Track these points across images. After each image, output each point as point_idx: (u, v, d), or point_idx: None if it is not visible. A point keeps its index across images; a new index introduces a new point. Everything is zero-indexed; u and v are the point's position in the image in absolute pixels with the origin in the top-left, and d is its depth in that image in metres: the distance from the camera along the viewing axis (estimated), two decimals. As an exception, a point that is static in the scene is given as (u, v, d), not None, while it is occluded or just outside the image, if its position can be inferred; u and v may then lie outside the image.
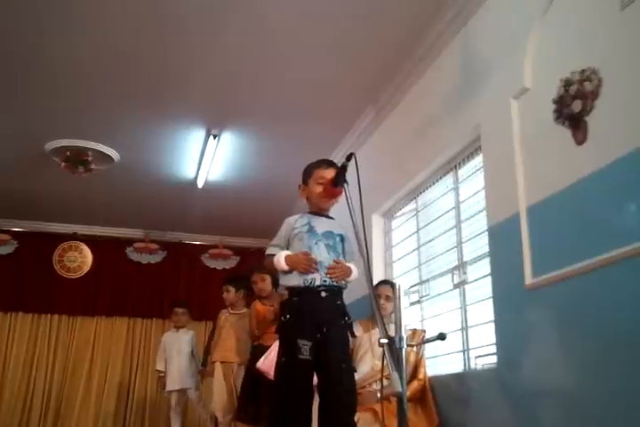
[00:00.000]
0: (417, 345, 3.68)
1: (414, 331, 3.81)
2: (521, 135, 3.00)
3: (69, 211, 7.47)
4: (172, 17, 3.82)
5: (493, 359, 3.18)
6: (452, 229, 3.86)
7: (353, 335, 2.81)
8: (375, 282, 3.78)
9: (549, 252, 2.71)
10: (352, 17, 3.81)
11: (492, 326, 3.15)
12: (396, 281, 4.07)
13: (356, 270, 2.79)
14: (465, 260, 3.65)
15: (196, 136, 5.43)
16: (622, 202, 2.30)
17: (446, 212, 3.96)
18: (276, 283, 4.44)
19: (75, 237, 7.99)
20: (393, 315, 2.56)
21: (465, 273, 3.61)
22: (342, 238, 2.83)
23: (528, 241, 2.86)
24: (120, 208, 7.33)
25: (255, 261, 6.59)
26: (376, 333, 3.60)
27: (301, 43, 4.08)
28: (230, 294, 5.22)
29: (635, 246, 2.18)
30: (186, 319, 6.29)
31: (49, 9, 3.74)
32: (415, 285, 4.25)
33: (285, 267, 2.71)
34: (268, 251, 2.85)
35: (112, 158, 5.81)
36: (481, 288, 3.42)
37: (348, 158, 2.54)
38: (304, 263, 2.67)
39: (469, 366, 3.52)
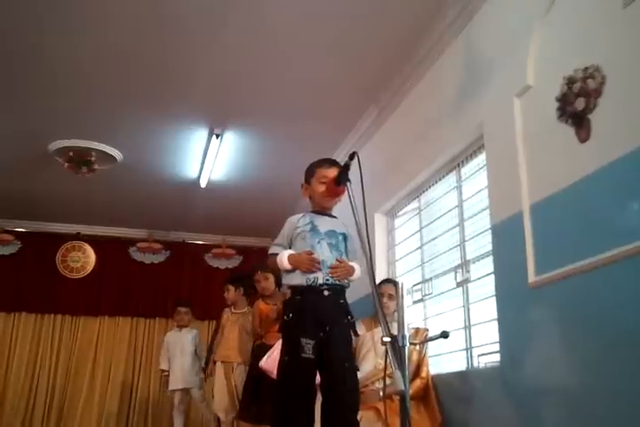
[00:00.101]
0: (420, 344, 3.68)
1: (417, 329, 3.81)
2: (524, 133, 3.00)
3: (72, 211, 7.48)
4: (172, 17, 3.82)
5: (496, 358, 3.18)
6: (454, 227, 3.86)
7: (356, 334, 2.80)
8: (378, 281, 3.78)
9: (552, 250, 2.71)
10: (353, 17, 3.80)
11: (495, 324, 3.15)
12: (399, 280, 4.08)
13: (358, 269, 2.79)
14: (468, 258, 3.64)
15: (198, 136, 5.43)
16: (625, 200, 2.30)
17: (449, 210, 3.96)
18: (279, 282, 4.43)
19: (78, 237, 8.01)
20: (396, 313, 2.56)
21: (468, 271, 3.60)
22: (345, 237, 2.82)
23: (531, 239, 2.85)
24: (123, 208, 7.34)
25: (258, 260, 6.59)
26: (379, 331, 3.60)
27: (302, 43, 4.08)
28: (230, 293, 5.23)
29: (637, 245, 2.18)
30: (188, 319, 6.30)
31: (49, 9, 3.74)
32: (418, 283, 4.24)
33: (288, 266, 2.71)
34: (271, 250, 2.85)
35: (115, 158, 5.82)
36: (484, 287, 3.42)
37: (351, 157, 2.54)
38: (307, 263, 2.67)
39: (472, 364, 3.52)
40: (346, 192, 2.62)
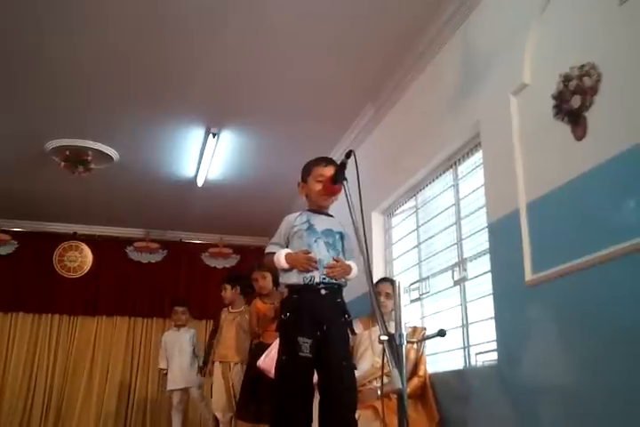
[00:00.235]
0: (417, 342, 3.68)
1: (414, 328, 3.81)
2: (520, 131, 3.00)
3: (69, 211, 7.47)
4: (172, 17, 3.82)
5: (494, 356, 3.18)
6: (451, 226, 3.86)
7: (353, 333, 2.81)
8: (375, 279, 3.78)
9: (549, 248, 2.71)
10: (352, 17, 3.80)
11: (493, 322, 3.15)
12: (396, 278, 4.09)
13: (355, 268, 2.79)
14: (465, 257, 3.64)
15: (195, 135, 5.43)
16: (622, 198, 2.30)
17: (446, 209, 3.96)
18: (276, 281, 4.43)
19: (75, 236, 8.00)
20: (393, 312, 2.55)
21: (465, 270, 3.61)
22: (342, 236, 2.83)
23: (528, 237, 2.85)
24: (120, 207, 7.33)
25: (255, 259, 6.58)
26: (376, 330, 3.59)
27: (301, 42, 4.07)
28: (227, 292, 5.24)
29: (634, 242, 2.18)
30: (186, 318, 6.29)
31: (49, 9, 3.74)
32: (415, 282, 4.25)
33: (285, 265, 2.71)
34: (268, 249, 2.85)
35: (111, 158, 5.81)
36: (481, 285, 3.42)
37: (348, 156, 2.54)
38: (304, 262, 2.67)
39: (470, 362, 3.52)
40: (342, 191, 2.62)
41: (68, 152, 5.60)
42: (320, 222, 2.80)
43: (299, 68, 4.36)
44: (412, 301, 4.24)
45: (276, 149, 5.68)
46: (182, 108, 5.00)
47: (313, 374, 2.62)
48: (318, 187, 2.78)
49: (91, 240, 8.04)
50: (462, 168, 3.83)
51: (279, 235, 2.84)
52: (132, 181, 6.45)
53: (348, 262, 2.77)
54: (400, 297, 2.45)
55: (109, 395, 7.57)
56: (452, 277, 3.72)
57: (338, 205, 2.80)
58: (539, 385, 2.69)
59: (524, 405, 2.78)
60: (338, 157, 4.80)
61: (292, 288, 2.72)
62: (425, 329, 3.84)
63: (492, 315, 3.15)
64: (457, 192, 3.85)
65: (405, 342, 2.32)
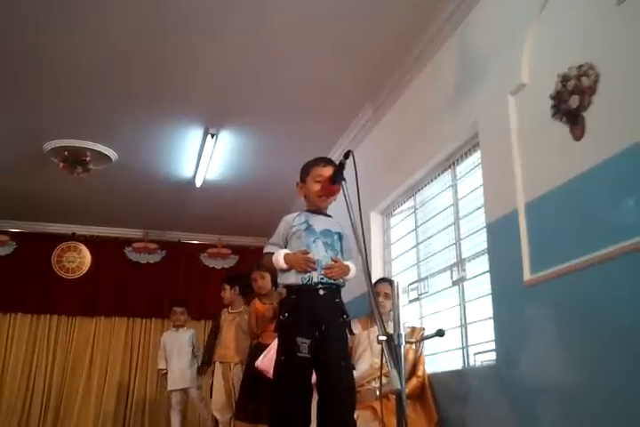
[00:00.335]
0: (416, 342, 3.68)
1: (413, 328, 3.82)
2: (518, 131, 3.00)
3: (68, 211, 7.46)
4: (172, 17, 3.82)
5: (492, 356, 3.18)
6: (450, 226, 3.86)
7: (351, 333, 2.81)
8: (374, 280, 3.78)
9: (548, 248, 2.71)
10: (352, 17, 3.80)
11: (491, 322, 3.15)
12: (395, 279, 4.09)
13: (353, 269, 2.79)
14: (463, 257, 3.64)
15: (194, 135, 5.43)
16: (620, 197, 2.30)
17: (444, 209, 3.96)
18: (275, 281, 4.43)
19: (73, 237, 8.00)
20: (392, 312, 2.55)
21: (463, 270, 3.61)
22: (340, 237, 2.83)
23: (526, 237, 2.85)
24: (118, 208, 7.32)
25: (254, 259, 6.58)
26: (375, 330, 3.59)
27: (300, 42, 4.07)
28: (226, 292, 5.24)
29: (633, 242, 2.18)
30: (184, 318, 6.29)
31: (49, 9, 3.73)
32: (414, 282, 4.25)
33: (284, 265, 2.71)
34: (267, 249, 2.85)
35: (110, 158, 5.80)
36: (480, 285, 3.41)
37: (346, 156, 2.54)
38: (302, 262, 2.67)
39: (468, 363, 3.52)
40: (341, 191, 2.62)
41: (66, 153, 5.59)
42: (319, 223, 2.80)
43: (298, 68, 4.36)
44: (411, 301, 4.25)
45: (275, 150, 5.68)
46: (181, 108, 4.99)
47: (311, 375, 2.62)
48: (317, 187, 2.78)
49: (89, 241, 8.04)
50: (461, 168, 3.83)
51: (278, 235, 2.84)
52: (131, 181, 6.44)
53: (346, 263, 2.77)
54: (399, 297, 2.45)
55: (108, 395, 7.57)
56: (451, 278, 3.72)
57: (336, 206, 2.80)
58: (537, 385, 2.69)
59: (522, 405, 2.78)
60: (336, 157, 4.81)
61: (291, 288, 2.72)
62: (423, 329, 3.84)
63: (491, 315, 3.15)
64: (455, 192, 3.85)
65: (404, 343, 2.31)
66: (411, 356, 3.67)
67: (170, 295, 7.74)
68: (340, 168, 2.61)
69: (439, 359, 3.88)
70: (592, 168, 2.44)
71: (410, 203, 4.55)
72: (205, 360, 5.53)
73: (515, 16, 3.08)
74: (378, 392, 3.45)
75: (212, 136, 5.34)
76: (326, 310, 2.67)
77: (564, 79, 2.64)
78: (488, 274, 3.22)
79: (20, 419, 7.25)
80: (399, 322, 2.38)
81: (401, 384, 2.09)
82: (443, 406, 3.53)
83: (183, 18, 3.82)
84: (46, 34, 4.00)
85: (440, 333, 2.74)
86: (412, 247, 4.39)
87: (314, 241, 2.74)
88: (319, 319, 2.63)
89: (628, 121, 2.29)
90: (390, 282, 3.84)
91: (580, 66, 2.54)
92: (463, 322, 3.60)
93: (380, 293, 3.82)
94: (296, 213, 2.86)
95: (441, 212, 4.01)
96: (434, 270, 4.02)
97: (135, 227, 8.11)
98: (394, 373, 2.02)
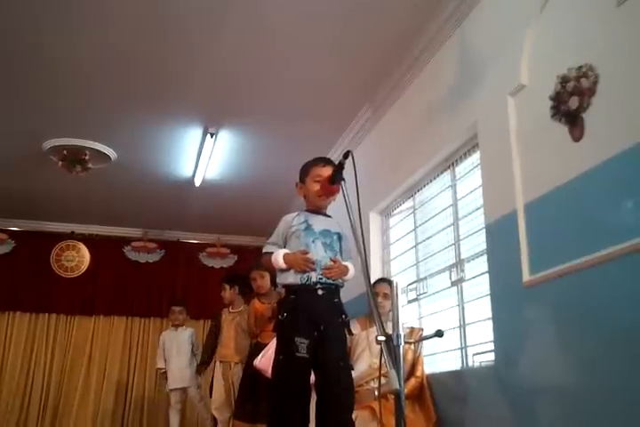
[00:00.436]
0: (415, 343, 3.68)
1: (412, 329, 3.82)
2: (518, 132, 3.00)
3: (67, 210, 7.46)
4: (172, 17, 3.82)
5: (491, 357, 3.18)
6: (449, 226, 3.86)
7: (350, 333, 2.81)
8: (373, 280, 3.78)
9: (547, 249, 2.71)
10: (350, 17, 3.80)
11: (490, 323, 3.15)
12: (394, 279, 4.08)
13: (352, 269, 2.79)
14: (462, 257, 3.64)
15: (193, 135, 5.42)
16: (619, 198, 2.30)
17: (444, 209, 3.96)
18: (274, 281, 4.42)
19: (72, 236, 7.98)
20: (391, 313, 2.55)
21: (462, 271, 3.61)
22: (339, 237, 2.83)
23: (525, 238, 2.85)
24: (117, 207, 7.32)
25: (253, 259, 6.59)
26: (374, 331, 3.60)
27: (300, 42, 4.07)
28: (226, 292, 5.24)
29: (632, 243, 2.18)
30: (183, 318, 6.29)
31: (48, 9, 3.73)
32: (413, 282, 4.25)
33: (283, 265, 2.71)
34: (266, 249, 2.85)
35: (109, 157, 5.80)
36: (478, 286, 3.42)
37: (346, 156, 2.54)
38: (301, 262, 2.67)
39: (467, 363, 3.52)
40: (340, 191, 2.62)
41: (65, 151, 5.59)
42: (318, 223, 2.80)
43: (297, 68, 4.36)
44: (410, 301, 4.25)
45: (274, 149, 5.68)
46: (180, 107, 4.99)
47: (310, 375, 2.62)
48: (316, 187, 2.79)
49: (88, 240, 8.03)
50: (460, 169, 3.83)
51: (277, 235, 2.84)
52: (130, 180, 6.44)
53: (345, 263, 2.77)
54: (398, 298, 2.45)
55: (107, 394, 7.56)
56: (450, 278, 3.72)
57: (336, 206, 2.80)
58: (536, 386, 2.69)
59: (521, 405, 2.78)
60: (336, 157, 4.81)
61: (290, 288, 2.72)
62: (422, 330, 3.84)
63: (490, 316, 3.15)
64: (455, 193, 3.85)
65: (403, 343, 2.31)
66: (409, 356, 3.67)
67: (169, 295, 7.75)
68: (339, 168, 2.61)
69: (438, 360, 3.88)
70: (591, 169, 2.44)
71: (409, 203, 4.55)
72: (205, 359, 5.53)
73: (514, 17, 3.08)
74: (376, 392, 3.45)
75: (212, 136, 5.33)
76: (325, 310, 2.67)
77: (564, 80, 2.64)
78: (487, 275, 3.22)
79: (19, 418, 7.24)
80: (398, 322, 2.38)
81: (400, 385, 2.09)
82: (441, 407, 3.54)
83: (183, 18, 3.82)
84: (46, 34, 3.99)
85: (439, 333, 2.73)
86: (412, 248, 4.39)
87: (313, 241, 2.74)
88: (318, 319, 2.64)
89: (628, 122, 2.29)
90: (389, 282, 3.85)
91: (580, 67, 2.54)
92: (462, 323, 3.60)
93: (379, 293, 3.82)
94: (295, 213, 2.86)
95: (440, 212, 4.01)
96: (433, 271, 4.02)
97: (134, 226, 8.10)
98: (392, 373, 2.02)
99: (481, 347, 3.36)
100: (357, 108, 4.97)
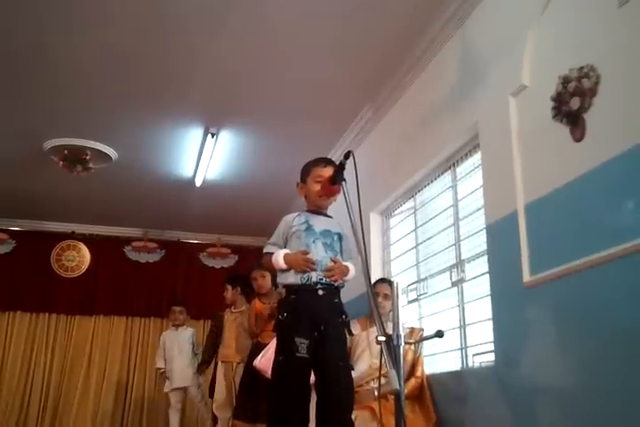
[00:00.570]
0: (415, 343, 3.68)
1: (412, 329, 3.82)
2: (519, 133, 3.00)
3: (67, 210, 7.46)
4: (172, 17, 3.82)
5: (491, 357, 3.18)
6: (450, 227, 3.86)
7: (350, 333, 2.81)
8: (373, 280, 3.78)
9: (547, 250, 2.71)
10: (351, 17, 3.80)
11: (490, 323, 3.15)
12: (394, 279, 4.08)
13: (353, 269, 2.79)
14: (463, 258, 3.64)
15: (194, 135, 5.42)
16: (620, 199, 2.30)
17: (444, 210, 3.96)
18: (275, 281, 4.43)
19: (73, 236, 7.99)
20: (391, 313, 2.55)
21: (463, 271, 3.61)
22: (340, 237, 2.83)
23: (526, 239, 2.85)
24: (118, 207, 7.32)
25: (253, 259, 6.59)
26: (374, 331, 3.60)
27: (301, 42, 4.07)
28: (228, 292, 5.25)
29: (633, 244, 2.18)
30: (183, 318, 6.29)
31: (49, 9, 3.73)
32: (413, 283, 4.24)
33: (284, 265, 2.71)
34: (266, 249, 2.85)
35: (110, 157, 5.80)
36: (479, 286, 3.41)
37: (346, 156, 2.53)
38: (302, 263, 2.67)
39: (467, 364, 3.52)
40: (341, 191, 2.61)
41: (66, 151, 5.59)
42: (318, 223, 2.80)
43: (298, 68, 4.36)
44: (410, 302, 4.24)
45: (275, 150, 5.68)
46: (181, 107, 4.99)
47: (310, 375, 2.62)
48: (317, 187, 2.79)
49: (89, 239, 8.03)
50: (461, 169, 3.83)
51: (277, 235, 2.84)
52: (131, 180, 6.44)
53: (345, 263, 2.77)
54: (398, 298, 2.45)
55: (106, 394, 7.56)
56: (450, 279, 3.72)
57: (336, 206, 2.80)
58: (536, 386, 2.69)
59: (521, 406, 2.78)
60: (337, 157, 4.81)
61: (290, 288, 2.72)
62: (423, 330, 3.84)
63: (490, 316, 3.15)
64: (455, 193, 3.85)
65: (403, 343, 2.31)
66: (410, 356, 3.67)
67: (169, 295, 7.75)
68: (340, 169, 2.61)
69: (438, 360, 3.88)
70: (592, 170, 2.44)
71: (410, 204, 4.54)
72: (205, 359, 5.54)
73: (516, 17, 3.08)
74: (376, 393, 3.45)
75: (212, 136, 5.33)
76: (325, 310, 2.67)
77: (565, 81, 2.64)
78: (487, 275, 3.22)
79: (19, 417, 7.24)
80: (398, 323, 2.38)
81: (400, 385, 2.09)
82: (441, 407, 3.53)
83: (183, 18, 3.82)
84: (47, 34, 4.00)
85: (439, 333, 2.73)
86: (412, 248, 4.39)
87: (313, 241, 2.74)
88: (318, 320, 2.63)
89: (629, 123, 2.29)
90: (390, 283, 3.85)
91: (581, 68, 2.54)
92: (462, 323, 3.60)
93: (380, 293, 3.82)
94: (296, 213, 2.86)
95: (441, 213, 4.00)
96: (433, 271, 4.02)
97: (135, 226, 8.10)
98: (393, 373, 2.02)
99: (481, 347, 3.36)
100: (358, 109, 4.97)
